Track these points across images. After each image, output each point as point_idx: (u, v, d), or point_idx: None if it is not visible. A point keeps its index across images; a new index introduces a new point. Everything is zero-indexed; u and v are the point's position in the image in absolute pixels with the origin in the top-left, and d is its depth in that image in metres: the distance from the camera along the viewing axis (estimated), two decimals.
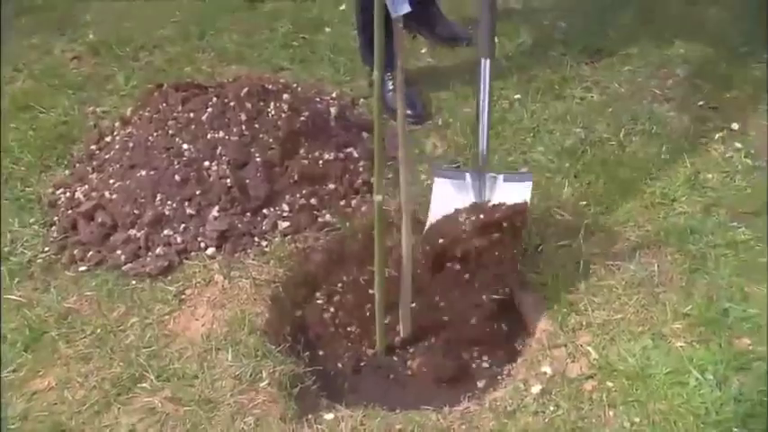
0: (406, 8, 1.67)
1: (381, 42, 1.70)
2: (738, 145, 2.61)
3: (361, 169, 2.57)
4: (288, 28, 3.40)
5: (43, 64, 3.25)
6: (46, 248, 2.37)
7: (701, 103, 2.81)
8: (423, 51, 3.19)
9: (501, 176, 2.20)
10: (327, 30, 3.39)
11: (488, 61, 2.18)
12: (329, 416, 1.90)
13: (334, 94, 2.92)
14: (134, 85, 3.07)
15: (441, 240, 2.13)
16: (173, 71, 3.14)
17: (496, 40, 3.15)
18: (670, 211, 2.38)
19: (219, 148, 2.43)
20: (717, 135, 2.65)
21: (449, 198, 2.20)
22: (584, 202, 2.41)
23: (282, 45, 3.30)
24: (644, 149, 2.61)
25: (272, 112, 2.53)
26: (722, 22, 3.20)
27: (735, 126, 2.68)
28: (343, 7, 3.51)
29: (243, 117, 2.49)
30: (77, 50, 3.32)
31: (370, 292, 2.17)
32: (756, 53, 3.00)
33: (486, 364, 2.05)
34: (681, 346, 1.97)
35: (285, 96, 2.60)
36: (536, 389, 1.91)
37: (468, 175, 2.21)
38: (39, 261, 2.33)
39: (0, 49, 3.24)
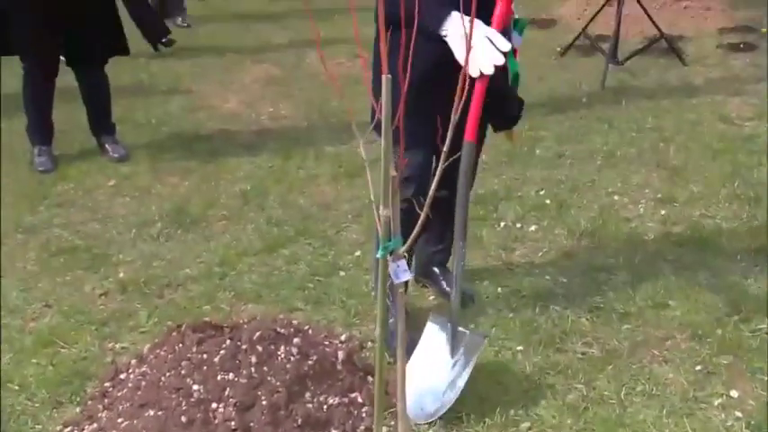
0: (407, 276, 1.84)
1: (383, 302, 1.86)
2: (738, 414, 2.61)
3: (364, 415, 2.61)
4: (305, 270, 3.61)
5: (72, 300, 3.42)
6: None
7: (698, 367, 2.85)
8: (431, 298, 3.37)
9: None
10: (342, 273, 3.60)
11: (462, 243, 2.63)
12: None
13: (343, 337, 3.03)
14: (155, 322, 3.23)
15: None
16: (193, 309, 3.31)
17: (500, 290, 3.37)
18: None
19: (228, 389, 2.51)
20: (716, 401, 2.67)
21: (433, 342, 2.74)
22: None
23: (298, 287, 3.49)
24: (644, 410, 2.64)
25: (282, 356, 2.64)
26: (713, 288, 3.32)
27: (734, 393, 2.70)
28: (358, 253, 3.74)
29: (253, 359, 2.60)
30: (106, 287, 3.51)
31: None
32: (750, 321, 3.09)
33: None
34: None
35: (295, 340, 2.72)
36: None
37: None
38: None
39: None
